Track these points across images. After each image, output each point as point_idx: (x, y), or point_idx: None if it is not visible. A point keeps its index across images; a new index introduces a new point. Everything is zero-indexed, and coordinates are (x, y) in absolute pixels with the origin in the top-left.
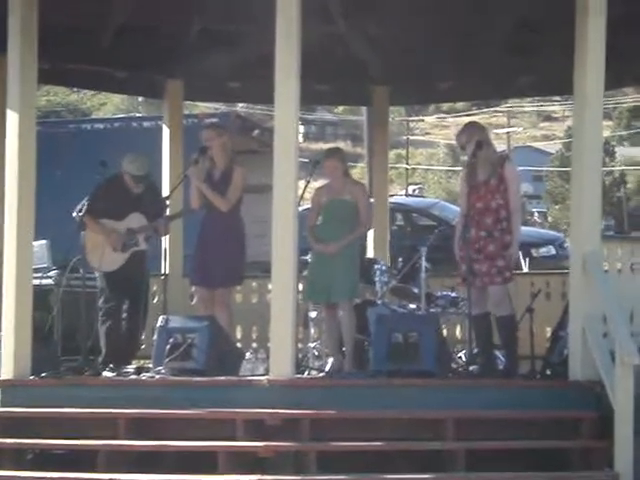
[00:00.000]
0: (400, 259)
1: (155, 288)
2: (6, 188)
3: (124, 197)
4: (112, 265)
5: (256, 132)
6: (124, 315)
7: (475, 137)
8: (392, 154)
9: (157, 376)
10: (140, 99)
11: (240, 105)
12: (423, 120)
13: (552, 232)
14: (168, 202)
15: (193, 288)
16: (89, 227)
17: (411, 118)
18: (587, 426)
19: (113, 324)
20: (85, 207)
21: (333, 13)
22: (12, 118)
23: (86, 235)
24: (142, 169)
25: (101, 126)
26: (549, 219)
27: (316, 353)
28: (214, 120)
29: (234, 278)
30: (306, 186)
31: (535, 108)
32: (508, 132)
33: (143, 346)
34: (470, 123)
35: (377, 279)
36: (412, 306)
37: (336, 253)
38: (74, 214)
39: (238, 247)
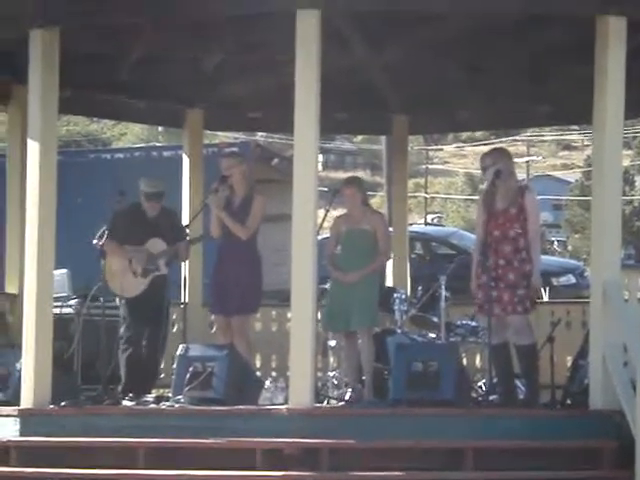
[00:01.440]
0: (419, 288)
1: (175, 316)
2: (27, 217)
3: (142, 222)
4: (134, 291)
5: (275, 161)
6: (144, 342)
7: (498, 164)
8: (411, 183)
9: (177, 405)
10: (160, 129)
11: (260, 134)
12: (442, 149)
13: (572, 261)
14: (188, 230)
15: (212, 316)
16: (110, 254)
17: (430, 147)
18: (608, 456)
19: (134, 352)
20: (106, 234)
21: (352, 43)
22: (33, 147)
23: (107, 262)
24: (154, 187)
25: (121, 155)
26: (569, 248)
27: (335, 382)
28: (233, 149)
29: (251, 306)
30: (325, 215)
31: (554, 137)
32: (527, 161)
33: (162, 375)
34: (497, 149)
35: (396, 308)
36: (432, 335)
37: (355, 282)
38: (94, 242)
39: (254, 275)
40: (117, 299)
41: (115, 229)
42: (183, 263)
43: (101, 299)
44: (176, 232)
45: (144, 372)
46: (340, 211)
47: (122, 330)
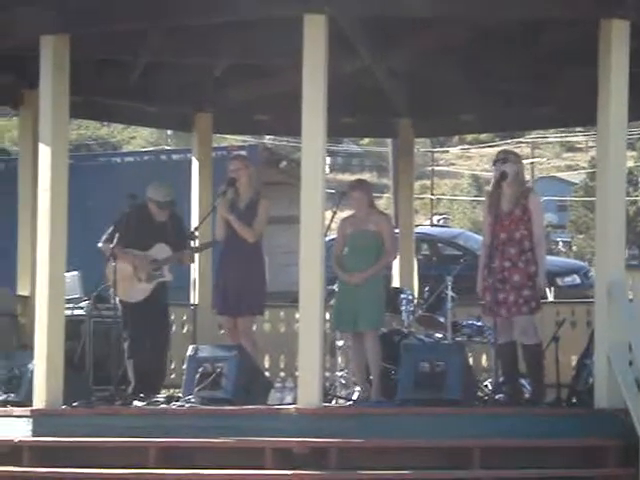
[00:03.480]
0: (426, 288)
1: (185, 318)
2: (38, 220)
3: (148, 226)
4: (138, 296)
5: (283, 164)
6: (149, 345)
7: (507, 165)
8: (417, 185)
9: (187, 405)
10: (169, 132)
11: (268, 137)
12: (448, 151)
13: (577, 261)
14: (197, 233)
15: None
16: (118, 258)
17: (436, 149)
18: (613, 454)
19: (140, 355)
20: (115, 237)
21: (359, 47)
22: (44, 151)
23: (111, 266)
24: (167, 196)
25: (131, 159)
26: (573, 248)
27: (343, 382)
28: (241, 152)
29: (255, 307)
30: (333, 217)
31: (559, 139)
32: (532, 163)
33: (173, 375)
34: (507, 151)
35: (403, 308)
36: (438, 335)
37: (362, 283)
38: (99, 244)
39: (259, 277)
40: (118, 302)
41: (123, 231)
42: (192, 266)
43: (112, 301)
44: (182, 238)
45: (152, 374)
46: (347, 213)
47: (125, 334)
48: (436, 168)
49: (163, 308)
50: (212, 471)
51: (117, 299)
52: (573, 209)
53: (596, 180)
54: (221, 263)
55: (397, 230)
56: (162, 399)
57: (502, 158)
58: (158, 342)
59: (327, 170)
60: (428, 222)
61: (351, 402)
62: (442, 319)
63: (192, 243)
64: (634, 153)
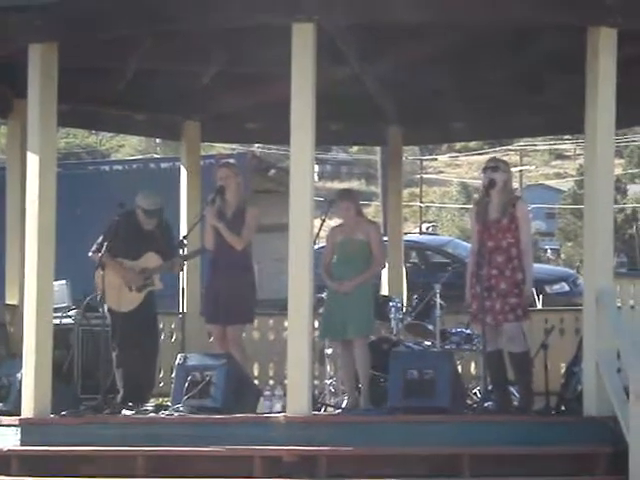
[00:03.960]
0: (415, 296)
1: (173, 326)
2: (27, 228)
3: (138, 236)
4: (129, 305)
5: (272, 172)
6: (137, 354)
7: (497, 174)
8: (406, 192)
9: (176, 414)
10: (158, 140)
11: (257, 145)
12: (436, 159)
13: (565, 269)
14: (185, 242)
15: (208, 326)
16: (108, 267)
17: (424, 157)
18: (602, 461)
19: (128, 364)
20: (105, 246)
21: (348, 55)
22: (32, 160)
23: (105, 275)
24: (154, 204)
25: (120, 167)
26: (562, 256)
27: (332, 390)
28: (230, 160)
29: (244, 316)
30: (322, 225)
31: (547, 147)
32: (520, 170)
33: (162, 384)
34: (498, 159)
35: (392, 316)
36: (427, 343)
37: (351, 291)
38: (90, 254)
39: (248, 285)
40: (106, 311)
41: (112, 240)
42: (181, 274)
43: (100, 309)
44: (171, 247)
45: (141, 383)
46: (336, 221)
47: (114, 343)
48: (425, 176)
49: (152, 317)
50: None
51: (106, 308)
52: (561, 217)
53: (584, 188)
54: (210, 271)
55: (386, 238)
56: (151, 408)
57: (492, 166)
58: (147, 351)
59: (316, 178)
60: (417, 230)
61: (340, 410)
62: (431, 327)
63: (181, 251)
64: (622, 161)
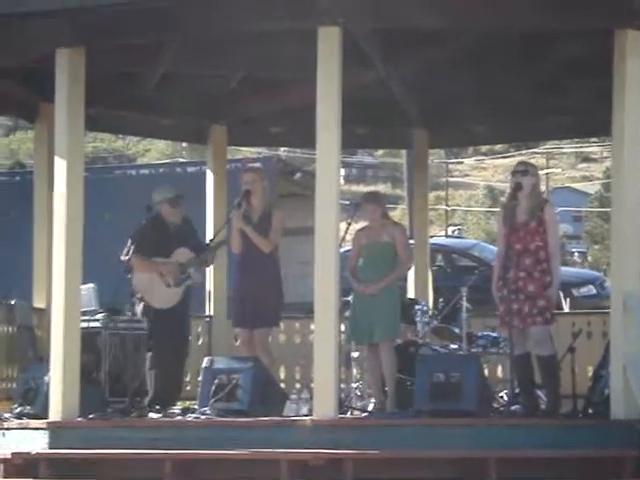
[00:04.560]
0: (441, 299)
1: (200, 329)
2: (54, 232)
3: (166, 234)
4: (170, 301)
5: (298, 175)
6: (171, 354)
7: (526, 178)
8: (432, 196)
9: (202, 417)
10: (184, 145)
11: (282, 149)
12: (462, 162)
13: (592, 272)
14: (212, 245)
15: (236, 329)
16: (138, 268)
17: (450, 160)
18: (629, 465)
19: (163, 366)
20: (132, 249)
21: (373, 59)
22: (60, 164)
23: (137, 277)
24: (173, 191)
25: (146, 172)
26: (589, 259)
27: (358, 393)
28: (256, 164)
29: (271, 320)
30: (347, 228)
31: (574, 149)
32: (547, 173)
33: (188, 387)
34: (527, 163)
35: (418, 319)
36: (453, 346)
37: (377, 294)
38: (122, 258)
39: (275, 289)
40: (139, 313)
41: (140, 243)
42: (208, 278)
43: (128, 313)
44: (198, 239)
45: (171, 385)
46: (362, 224)
47: (151, 343)
48: (450, 179)
49: (188, 317)
50: None
51: (140, 309)
52: (588, 220)
53: (611, 190)
54: (237, 275)
55: (412, 241)
56: (178, 411)
57: (522, 170)
58: (181, 352)
59: (342, 181)
60: (443, 233)
61: (366, 413)
62: (457, 330)
63: (208, 243)
64: None
